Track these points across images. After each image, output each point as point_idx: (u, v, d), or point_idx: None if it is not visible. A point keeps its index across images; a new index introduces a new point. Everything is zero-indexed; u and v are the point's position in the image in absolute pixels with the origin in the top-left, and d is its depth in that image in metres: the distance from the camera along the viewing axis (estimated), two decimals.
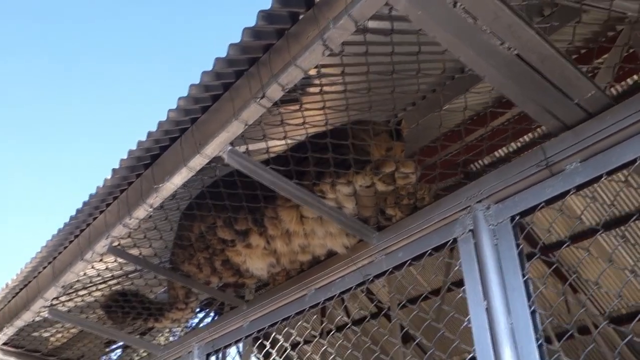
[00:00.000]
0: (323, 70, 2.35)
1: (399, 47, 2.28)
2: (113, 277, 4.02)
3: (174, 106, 2.43)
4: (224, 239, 3.27)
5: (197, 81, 2.30)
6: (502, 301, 2.23)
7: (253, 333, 3.58)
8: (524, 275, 2.22)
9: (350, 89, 2.49)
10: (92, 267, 3.57)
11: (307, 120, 2.55)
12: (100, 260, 3.49)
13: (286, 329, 3.47)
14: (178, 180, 2.65)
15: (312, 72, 2.28)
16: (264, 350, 3.62)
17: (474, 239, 2.43)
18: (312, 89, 2.50)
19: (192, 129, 2.54)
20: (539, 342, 2.09)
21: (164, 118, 2.50)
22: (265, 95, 2.18)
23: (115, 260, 3.58)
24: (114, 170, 2.81)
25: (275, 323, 3.44)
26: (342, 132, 2.70)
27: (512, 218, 2.35)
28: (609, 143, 2.11)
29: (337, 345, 3.16)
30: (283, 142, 2.65)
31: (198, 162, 2.52)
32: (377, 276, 2.92)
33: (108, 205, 3.08)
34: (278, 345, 3.53)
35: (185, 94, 2.37)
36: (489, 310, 2.25)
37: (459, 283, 2.64)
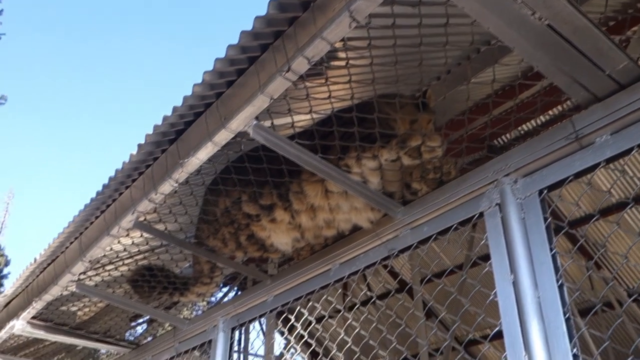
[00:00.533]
0: (349, 43, 2.33)
1: (426, 19, 2.25)
2: (139, 252, 4.07)
3: (199, 81, 2.43)
4: (249, 213, 3.29)
5: (222, 55, 2.30)
6: (529, 275, 2.22)
7: (277, 307, 3.62)
8: (551, 249, 2.20)
9: (377, 62, 2.47)
10: (119, 242, 3.62)
11: (332, 94, 2.53)
12: (127, 235, 3.54)
13: (310, 303, 3.49)
14: (203, 155, 2.65)
15: (338, 44, 2.26)
16: (289, 324, 3.64)
17: (500, 213, 2.41)
18: (338, 62, 2.48)
19: (217, 103, 2.53)
20: (567, 315, 2.07)
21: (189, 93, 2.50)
22: (291, 69, 2.17)
23: (141, 235, 3.62)
24: (139, 145, 2.83)
25: (300, 297, 3.47)
26: (367, 106, 2.68)
27: (540, 192, 2.32)
28: None
29: (361, 319, 3.17)
30: (308, 116, 2.64)
31: (223, 136, 2.52)
32: (402, 250, 2.92)
33: (134, 180, 3.10)
34: (303, 319, 3.56)
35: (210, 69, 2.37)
36: (515, 284, 2.24)
37: (482, 258, 2.64)
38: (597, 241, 7.17)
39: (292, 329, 3.79)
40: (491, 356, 9.32)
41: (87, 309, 4.94)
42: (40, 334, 4.84)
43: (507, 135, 5.09)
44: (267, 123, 2.58)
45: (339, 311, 3.61)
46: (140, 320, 5.63)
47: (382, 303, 3.16)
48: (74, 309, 4.84)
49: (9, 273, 26.33)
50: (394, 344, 2.86)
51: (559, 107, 4.10)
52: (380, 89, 2.67)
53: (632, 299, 6.07)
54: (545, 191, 2.31)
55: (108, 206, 3.32)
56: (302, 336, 3.64)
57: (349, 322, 3.26)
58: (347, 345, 3.25)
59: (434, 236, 2.76)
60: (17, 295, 4.55)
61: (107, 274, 4.20)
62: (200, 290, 4.09)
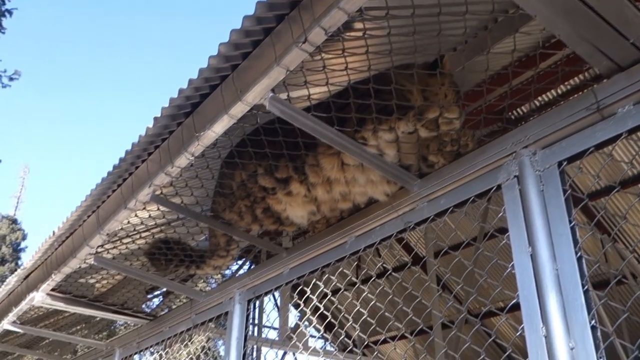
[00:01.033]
0: (367, 12, 2.29)
1: None
2: (156, 225, 4.10)
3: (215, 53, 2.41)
4: (265, 186, 3.29)
5: (238, 27, 2.27)
6: (547, 247, 2.20)
7: (293, 280, 3.64)
8: (570, 222, 2.18)
9: (395, 32, 2.43)
10: (135, 215, 3.64)
11: (349, 65, 2.50)
12: (143, 208, 3.55)
13: (326, 275, 3.51)
14: (219, 128, 2.64)
15: (355, 14, 2.23)
16: (305, 297, 3.66)
17: (519, 185, 2.39)
18: (355, 33, 2.45)
19: (232, 76, 2.51)
20: (585, 288, 2.06)
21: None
22: (308, 40, 2.14)
23: (157, 209, 3.64)
24: (155, 118, 2.82)
25: (315, 270, 3.48)
26: (384, 77, 2.65)
27: (560, 163, 2.29)
28: None
29: (377, 292, 3.18)
30: (324, 88, 2.62)
31: (239, 109, 2.51)
32: (419, 223, 2.90)
33: (150, 154, 3.11)
34: (318, 291, 3.58)
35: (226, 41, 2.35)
36: (533, 257, 2.23)
37: (498, 231, 2.63)
38: (612, 214, 7.13)
39: (307, 302, 3.81)
40: (504, 328, 9.37)
41: (105, 281, 5.00)
42: (60, 305, 4.91)
43: (523, 107, 5.04)
44: (283, 95, 2.56)
45: (353, 284, 3.63)
46: (157, 293, 5.70)
47: (398, 275, 3.16)
48: (92, 281, 4.91)
49: (26, 247, 26.78)
50: (410, 316, 2.87)
51: (578, 77, 4.04)
52: (398, 59, 2.64)
53: None
54: (565, 163, 2.29)
55: (125, 180, 3.33)
56: (317, 308, 3.67)
57: (364, 294, 3.27)
58: (363, 318, 3.27)
59: (451, 209, 2.75)
60: (36, 268, 4.61)
61: (124, 246, 4.24)
62: (217, 263, 4.12)
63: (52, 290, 4.66)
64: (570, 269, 2.11)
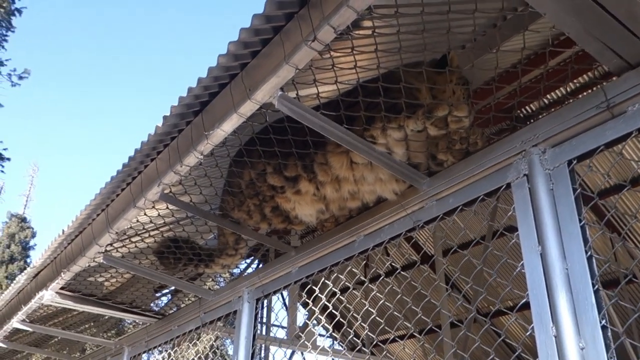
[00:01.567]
0: (376, 10, 2.29)
1: None
2: (165, 224, 4.11)
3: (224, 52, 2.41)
4: (274, 185, 3.29)
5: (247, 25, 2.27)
6: (557, 246, 2.19)
7: (302, 278, 3.64)
8: (580, 220, 2.17)
9: (404, 30, 2.43)
10: (144, 214, 3.65)
11: (358, 63, 2.50)
12: (152, 207, 3.56)
13: (335, 274, 3.51)
14: (228, 126, 2.65)
15: (365, 12, 2.23)
16: (313, 295, 3.66)
17: (528, 183, 2.38)
18: (364, 31, 2.45)
19: (241, 74, 2.52)
20: (595, 287, 2.05)
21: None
22: (317, 38, 2.14)
23: (166, 207, 3.65)
24: (164, 117, 2.83)
25: (324, 269, 3.48)
26: (393, 75, 2.64)
27: (569, 162, 2.28)
28: None
29: (386, 291, 3.18)
30: (333, 86, 2.62)
31: (248, 108, 2.51)
32: (428, 222, 2.90)
33: (159, 152, 3.11)
34: (327, 290, 3.58)
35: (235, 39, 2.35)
36: (543, 256, 2.22)
37: (506, 229, 2.62)
38: (622, 212, 7.09)
39: (315, 300, 3.81)
40: (514, 328, 9.33)
41: (113, 280, 5.02)
42: (69, 304, 4.94)
43: (532, 105, 5.02)
44: (292, 94, 2.57)
45: (361, 283, 3.62)
46: (165, 291, 5.72)
47: (406, 274, 3.16)
48: (101, 279, 4.93)
49: (35, 245, 26.93)
50: (419, 315, 2.86)
51: (588, 75, 4.02)
52: (407, 57, 2.63)
53: None
54: (575, 161, 2.28)
55: (134, 178, 3.34)
56: (325, 307, 3.67)
57: (373, 293, 3.26)
58: (371, 317, 3.26)
59: (460, 207, 2.74)
60: (45, 267, 4.63)
61: (133, 245, 4.25)
62: (225, 262, 4.13)
63: (61, 288, 4.69)
64: (581, 268, 2.10)
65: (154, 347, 5.38)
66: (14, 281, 5.18)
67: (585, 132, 2.27)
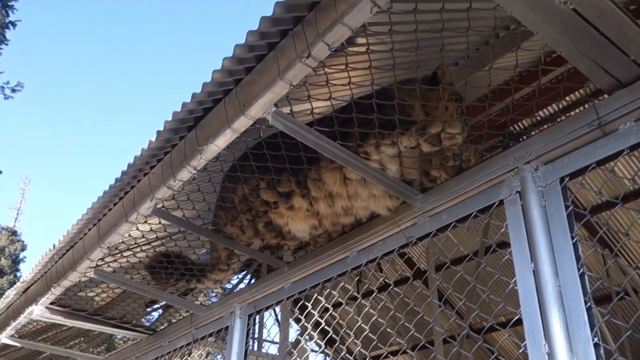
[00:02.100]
0: (370, 28, 2.31)
1: (449, 4, 2.22)
2: (157, 239, 4.09)
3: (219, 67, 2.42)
4: (267, 200, 3.28)
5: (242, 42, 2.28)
6: (550, 263, 2.20)
7: (294, 294, 3.63)
8: (572, 238, 2.18)
9: (398, 47, 2.44)
10: (137, 229, 3.64)
11: (352, 80, 2.52)
12: (145, 222, 3.55)
13: (328, 290, 3.50)
14: (222, 142, 2.65)
15: (359, 30, 2.24)
16: (306, 311, 3.65)
17: (521, 200, 2.39)
18: (358, 48, 2.46)
19: (236, 90, 2.52)
20: (588, 304, 2.06)
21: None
22: (311, 55, 2.15)
23: (159, 222, 3.64)
24: (158, 132, 2.83)
25: (317, 285, 3.47)
26: (387, 92, 2.66)
27: (562, 179, 2.30)
28: None
29: (379, 306, 3.17)
30: (327, 103, 2.63)
31: (242, 123, 2.52)
32: (421, 238, 2.90)
33: (152, 167, 3.11)
34: (320, 306, 3.56)
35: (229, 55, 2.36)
36: (536, 273, 2.22)
37: (499, 246, 2.63)
38: (612, 229, 7.12)
39: (308, 316, 3.79)
40: (507, 344, 9.31)
41: (104, 295, 4.99)
42: (59, 319, 4.90)
43: (524, 122, 5.05)
44: (286, 109, 2.57)
45: (354, 298, 3.61)
46: (156, 306, 5.68)
47: (399, 290, 3.15)
48: (91, 294, 4.89)
49: (25, 257, 26.71)
50: (412, 332, 2.85)
51: (579, 92, 4.05)
52: (401, 74, 2.65)
53: None
54: (567, 179, 2.29)
55: (126, 193, 3.33)
56: (318, 323, 3.65)
57: (365, 309, 3.26)
58: (364, 333, 3.25)
59: (453, 224, 2.75)
60: (35, 281, 4.60)
61: (124, 260, 4.23)
62: (217, 277, 4.11)
63: (51, 303, 4.65)
64: (573, 285, 2.11)
65: None
66: (4, 296, 5.13)
67: (577, 150, 2.28)
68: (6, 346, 5.82)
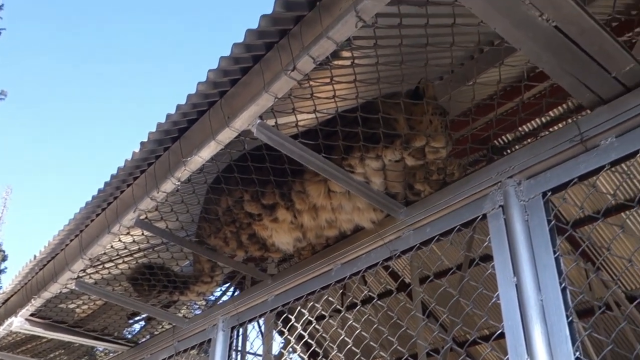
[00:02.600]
0: (355, 42, 2.32)
1: (433, 19, 2.24)
2: (139, 250, 4.06)
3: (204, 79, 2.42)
4: (251, 212, 3.27)
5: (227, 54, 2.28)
6: (532, 278, 2.21)
7: (278, 307, 3.61)
8: (554, 252, 2.20)
9: (382, 61, 2.46)
10: (119, 240, 3.60)
11: (337, 93, 2.52)
12: (127, 233, 3.52)
13: (311, 303, 3.48)
14: (206, 153, 2.64)
15: (344, 43, 2.25)
16: (290, 324, 3.63)
17: (504, 214, 2.41)
18: (343, 62, 2.47)
19: (220, 102, 2.52)
20: (570, 319, 2.07)
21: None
22: (296, 68, 2.16)
23: (142, 233, 3.60)
24: (142, 143, 2.81)
25: (300, 297, 3.46)
26: (372, 106, 2.67)
27: (544, 194, 2.32)
28: None
29: (362, 319, 3.16)
30: (312, 115, 2.64)
31: (227, 135, 2.51)
32: (404, 251, 2.91)
33: (135, 178, 3.09)
34: (303, 319, 3.55)
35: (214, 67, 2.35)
36: (518, 287, 2.24)
37: (482, 259, 2.63)
38: (595, 243, 7.17)
39: (291, 329, 3.77)
40: (489, 357, 9.32)
41: (85, 307, 4.93)
42: (39, 331, 4.83)
43: (507, 136, 5.10)
44: (271, 122, 2.57)
45: (338, 311, 3.60)
46: (138, 318, 5.62)
47: (382, 303, 3.15)
48: (72, 306, 4.83)
49: (5, 268, 26.33)
50: (395, 345, 2.85)
51: (562, 107, 4.10)
52: (385, 88, 2.67)
53: (635, 303, 6.05)
54: (549, 193, 2.31)
55: (109, 204, 3.31)
56: (301, 336, 3.63)
57: (349, 322, 3.25)
58: (348, 347, 3.24)
59: (437, 237, 2.75)
60: (15, 292, 4.53)
61: (106, 271, 4.19)
62: (201, 289, 4.08)
63: (32, 315, 4.58)
64: (555, 299, 2.12)
65: None
66: None
67: (559, 165, 2.31)
68: None
